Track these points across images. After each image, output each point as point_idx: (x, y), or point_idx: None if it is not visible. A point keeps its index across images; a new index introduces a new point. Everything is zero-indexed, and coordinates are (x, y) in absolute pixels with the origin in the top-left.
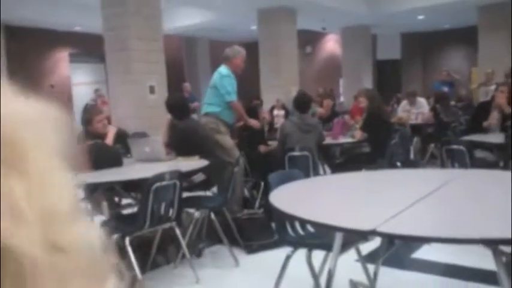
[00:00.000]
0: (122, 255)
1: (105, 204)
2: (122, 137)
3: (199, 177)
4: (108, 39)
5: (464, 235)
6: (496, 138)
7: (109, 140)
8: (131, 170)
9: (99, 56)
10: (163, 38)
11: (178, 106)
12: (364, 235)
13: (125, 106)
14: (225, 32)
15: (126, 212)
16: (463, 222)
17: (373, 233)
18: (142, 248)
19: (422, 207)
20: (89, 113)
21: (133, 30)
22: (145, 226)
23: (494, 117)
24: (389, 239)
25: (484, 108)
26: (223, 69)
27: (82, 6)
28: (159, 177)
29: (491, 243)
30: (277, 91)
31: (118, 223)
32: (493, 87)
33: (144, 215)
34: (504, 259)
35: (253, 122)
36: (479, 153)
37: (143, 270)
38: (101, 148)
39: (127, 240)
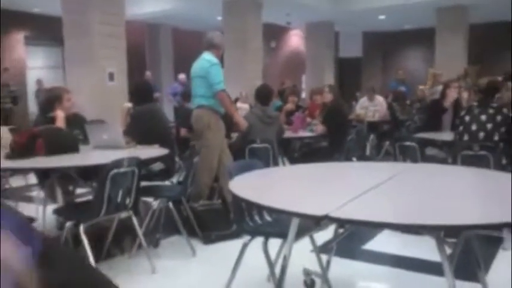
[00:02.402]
0: (76, 244)
1: (59, 190)
2: (79, 122)
3: (158, 166)
4: (67, 22)
5: (410, 222)
6: (446, 136)
7: (60, 123)
8: (88, 157)
9: (57, 39)
10: (125, 23)
11: (142, 90)
12: (317, 220)
13: (83, 92)
14: (189, 21)
15: (82, 200)
16: (410, 210)
17: (325, 217)
18: (97, 237)
19: (373, 195)
20: (59, 90)
21: (94, 14)
22: (101, 214)
23: (451, 96)
24: (340, 225)
25: (435, 107)
26: (210, 57)
27: None
28: (117, 163)
29: (435, 230)
30: (241, 84)
31: (72, 210)
32: (440, 87)
33: (100, 202)
34: (448, 249)
35: (241, 121)
36: (430, 151)
37: (97, 259)
38: (55, 133)
39: (81, 228)
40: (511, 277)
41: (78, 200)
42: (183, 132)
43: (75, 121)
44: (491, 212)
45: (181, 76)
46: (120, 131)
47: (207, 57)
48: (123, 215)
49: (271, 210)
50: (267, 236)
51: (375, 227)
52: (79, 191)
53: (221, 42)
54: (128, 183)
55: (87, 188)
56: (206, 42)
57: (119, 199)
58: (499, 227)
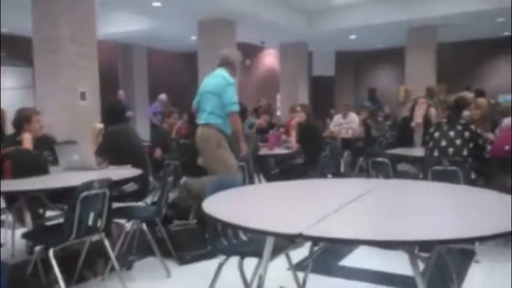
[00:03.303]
0: (46, 268)
1: (27, 214)
2: (48, 143)
3: (131, 187)
4: (37, 41)
5: (383, 238)
6: (417, 152)
7: (27, 145)
8: (57, 178)
9: (26, 59)
10: (98, 43)
11: (115, 110)
12: (291, 239)
13: (53, 112)
14: (163, 41)
15: (51, 224)
16: (383, 226)
17: (299, 236)
18: (68, 261)
19: (346, 212)
20: (28, 111)
21: (64, 33)
22: (71, 237)
23: (419, 115)
24: (314, 243)
25: (405, 123)
26: (226, 75)
27: (10, 6)
28: (88, 185)
29: (408, 245)
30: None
31: (41, 234)
32: (410, 104)
33: (70, 225)
34: (421, 264)
35: (244, 148)
36: (402, 166)
37: (68, 283)
38: (23, 154)
39: (51, 252)
40: None
41: (48, 223)
42: (157, 152)
43: (45, 142)
44: (463, 226)
45: (162, 96)
46: (91, 152)
47: (224, 75)
48: (95, 237)
49: (245, 230)
50: (243, 255)
51: (348, 244)
52: (49, 213)
53: (235, 59)
54: (99, 205)
55: (58, 210)
56: (222, 59)
57: (90, 222)
58: (471, 240)
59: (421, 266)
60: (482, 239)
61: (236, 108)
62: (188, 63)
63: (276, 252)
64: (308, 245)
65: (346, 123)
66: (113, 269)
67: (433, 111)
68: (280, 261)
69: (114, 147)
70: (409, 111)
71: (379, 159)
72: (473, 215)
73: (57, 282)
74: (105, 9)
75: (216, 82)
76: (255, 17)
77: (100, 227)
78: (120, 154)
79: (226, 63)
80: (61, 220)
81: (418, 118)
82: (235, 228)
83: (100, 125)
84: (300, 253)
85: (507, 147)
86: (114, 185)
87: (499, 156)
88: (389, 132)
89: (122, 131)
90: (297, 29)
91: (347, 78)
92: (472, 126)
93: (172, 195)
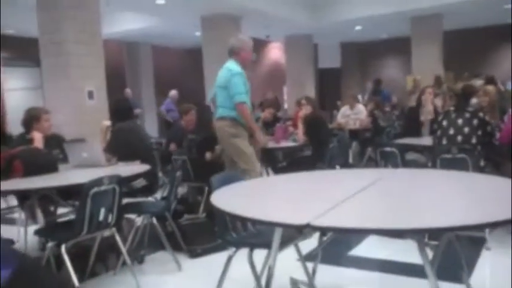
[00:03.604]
0: (59, 264)
1: (39, 211)
2: (58, 142)
3: (140, 183)
4: (43, 43)
5: (390, 226)
6: (426, 141)
7: (37, 144)
8: (67, 176)
9: (34, 60)
10: (103, 42)
11: (122, 107)
12: (299, 229)
13: (62, 112)
14: (168, 37)
15: (63, 220)
16: (391, 215)
17: (307, 226)
18: (80, 257)
19: (354, 202)
20: (37, 110)
21: (70, 34)
22: (83, 233)
23: (427, 112)
24: (322, 233)
25: (412, 113)
26: (232, 66)
27: (16, 7)
28: (97, 181)
29: (416, 233)
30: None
31: (53, 230)
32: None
33: (82, 221)
34: (430, 252)
35: (261, 138)
36: (411, 156)
37: (81, 278)
38: (33, 153)
39: (63, 248)
40: (496, 276)
41: (60, 220)
42: (173, 147)
43: (54, 141)
44: (472, 213)
45: (173, 92)
46: (100, 149)
47: (230, 66)
48: (106, 233)
49: (253, 222)
50: (252, 247)
51: (355, 233)
52: (60, 210)
53: (242, 45)
54: (109, 201)
55: (68, 207)
56: (229, 50)
57: (100, 217)
58: (479, 227)
59: (431, 254)
60: (491, 225)
61: (242, 98)
62: (193, 59)
63: (284, 243)
64: (317, 235)
65: (353, 114)
66: (124, 263)
67: (438, 102)
68: (290, 252)
69: (123, 144)
70: (416, 101)
71: (387, 149)
72: (482, 201)
73: (70, 278)
74: (109, 9)
75: (222, 75)
76: (259, 11)
77: (111, 223)
78: (129, 151)
79: (232, 53)
80: (72, 216)
81: (429, 114)
82: (244, 220)
83: (108, 122)
84: (309, 244)
85: None
86: (124, 181)
87: (508, 143)
88: (397, 122)
89: (130, 128)
90: (301, 21)
91: (353, 69)
92: (480, 114)
93: (181, 190)
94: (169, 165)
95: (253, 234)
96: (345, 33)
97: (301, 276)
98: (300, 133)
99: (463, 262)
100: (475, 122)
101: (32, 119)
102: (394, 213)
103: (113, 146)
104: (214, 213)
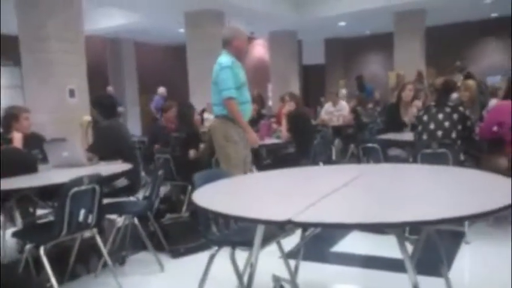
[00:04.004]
0: (38, 267)
1: (17, 213)
2: (37, 142)
3: (122, 182)
4: (24, 40)
5: (369, 221)
6: (407, 136)
7: (17, 144)
8: (47, 176)
9: (14, 58)
10: (85, 39)
11: (105, 104)
12: (280, 225)
13: (43, 111)
14: (151, 34)
15: (42, 222)
16: (371, 210)
17: (288, 222)
18: (60, 259)
19: (335, 198)
20: (16, 109)
21: (51, 32)
22: (62, 234)
23: (411, 113)
24: (304, 229)
25: (392, 109)
26: (223, 58)
27: None
28: (77, 181)
29: (395, 227)
30: (207, 95)
31: (32, 232)
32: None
33: (61, 222)
34: (410, 246)
35: (252, 137)
36: (393, 151)
37: (61, 281)
38: (12, 153)
39: (42, 250)
40: (473, 270)
41: (39, 221)
42: (157, 147)
43: (34, 141)
44: (451, 207)
45: (161, 89)
46: (81, 148)
47: (221, 59)
48: (87, 234)
49: (235, 219)
50: (234, 245)
51: (336, 228)
52: (40, 212)
53: (234, 34)
54: (89, 201)
55: (48, 208)
56: (222, 42)
57: (80, 218)
58: (459, 220)
59: (411, 249)
60: (469, 218)
61: (229, 93)
62: (177, 56)
63: (267, 240)
64: (300, 233)
65: (336, 111)
66: (105, 265)
67: (419, 103)
68: (273, 251)
69: (106, 142)
70: (396, 97)
71: (370, 145)
72: (462, 195)
73: (49, 280)
74: (91, 5)
75: (214, 70)
76: (242, 7)
77: (91, 223)
78: (111, 149)
79: (225, 44)
80: (51, 218)
81: (412, 118)
82: (225, 217)
83: (88, 118)
84: (292, 242)
85: (495, 128)
86: (105, 181)
87: (488, 138)
88: (379, 118)
89: (112, 127)
90: (285, 17)
91: (337, 65)
92: (460, 108)
93: (164, 189)
94: (152, 164)
95: (236, 232)
96: (328, 30)
97: (283, 273)
98: (283, 130)
99: (442, 256)
100: (455, 116)
101: (11, 118)
102: (375, 208)
103: (96, 145)
104: (197, 212)
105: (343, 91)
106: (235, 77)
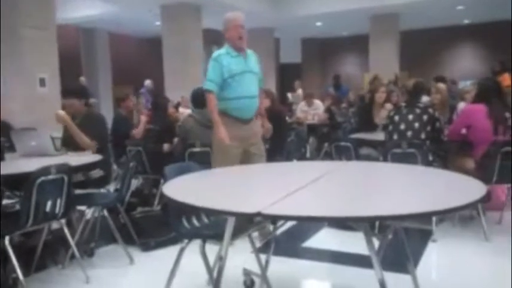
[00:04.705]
0: (3, 258)
1: None
2: (4, 130)
3: (97, 173)
4: None
5: (336, 214)
6: (379, 136)
7: None
8: (13, 165)
9: None
10: (59, 28)
11: (82, 92)
12: (250, 217)
13: (12, 99)
14: (127, 26)
15: (8, 212)
16: (339, 205)
17: (258, 214)
18: (27, 250)
19: (305, 192)
20: None
21: (21, 17)
22: (28, 224)
23: (382, 115)
24: (273, 223)
25: (365, 109)
26: (219, 51)
27: None
28: (44, 170)
29: (361, 221)
30: (182, 89)
31: None
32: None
33: (27, 212)
34: (377, 242)
35: (220, 134)
36: (364, 150)
37: (27, 272)
38: None
39: (7, 240)
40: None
41: (5, 211)
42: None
43: (1, 129)
44: (418, 203)
45: (147, 82)
46: (49, 138)
47: (216, 52)
48: (54, 225)
49: (203, 211)
50: (204, 238)
51: (303, 221)
52: (5, 201)
53: (225, 25)
54: (57, 192)
55: (15, 198)
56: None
57: (47, 208)
58: (425, 215)
59: (376, 244)
60: (435, 214)
61: (207, 85)
62: (153, 49)
63: (237, 233)
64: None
65: (311, 110)
66: (73, 256)
67: (394, 98)
68: (245, 245)
69: (105, 130)
70: (368, 99)
71: (342, 143)
72: (429, 193)
73: (15, 271)
74: None
75: None
76: (219, 2)
77: (58, 214)
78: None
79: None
80: (18, 207)
81: (383, 120)
82: (194, 209)
83: (61, 111)
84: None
85: (463, 131)
86: (81, 171)
87: (456, 139)
88: (353, 118)
89: (97, 115)
90: (262, 14)
91: (314, 65)
92: (430, 110)
93: (135, 182)
94: (124, 156)
95: (207, 226)
96: (305, 29)
97: (254, 267)
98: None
99: (408, 253)
100: (425, 117)
101: None
102: (344, 203)
103: (99, 133)
104: (168, 206)
105: (299, 91)
106: (220, 69)
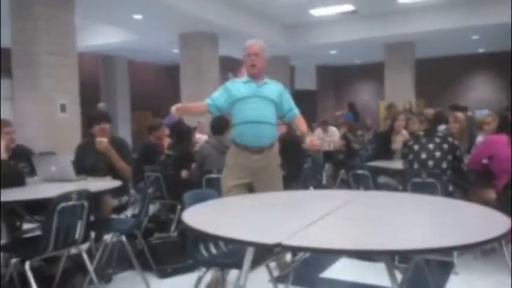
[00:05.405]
0: (23, 282)
1: (4, 226)
2: (24, 154)
3: (125, 199)
4: (16, 53)
5: (359, 247)
6: (397, 164)
7: (2, 154)
8: (35, 190)
9: (6, 70)
10: (79, 55)
11: (109, 116)
12: (269, 248)
13: (33, 125)
14: (145, 53)
15: (28, 236)
16: (361, 236)
17: (278, 245)
18: (46, 274)
19: (325, 223)
20: None
21: (43, 46)
22: (48, 249)
23: (398, 141)
24: (294, 254)
25: (383, 137)
26: (233, 76)
27: None
28: (65, 196)
29: (384, 255)
30: (197, 116)
31: (18, 246)
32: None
33: (48, 237)
34: (400, 274)
35: (173, 107)
36: (382, 179)
37: None
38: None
39: (27, 265)
40: None
41: (26, 235)
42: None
43: (20, 153)
44: (440, 237)
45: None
46: (70, 163)
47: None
48: (73, 250)
49: (224, 240)
50: (223, 267)
51: (326, 253)
52: (27, 226)
53: (243, 51)
54: (77, 217)
55: (35, 223)
56: None
57: (67, 234)
58: (447, 250)
59: (400, 277)
60: (456, 249)
61: (206, 98)
62: (171, 76)
63: (256, 263)
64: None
65: (327, 137)
66: (91, 282)
67: (404, 132)
68: (263, 274)
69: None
70: (388, 126)
71: (360, 171)
72: (450, 226)
73: None
74: (86, 22)
75: None
76: (236, 31)
77: (78, 239)
78: (104, 166)
79: None
80: (38, 232)
81: (398, 145)
82: (214, 238)
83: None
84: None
85: (485, 161)
86: (93, 197)
87: (476, 169)
88: (369, 145)
89: (112, 141)
90: (278, 42)
91: (328, 92)
92: (450, 138)
93: (154, 208)
94: (142, 182)
95: (225, 254)
96: (320, 57)
97: None
98: None
99: (431, 286)
100: (445, 146)
101: None
102: (364, 235)
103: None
104: (186, 232)
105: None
106: (225, 92)
